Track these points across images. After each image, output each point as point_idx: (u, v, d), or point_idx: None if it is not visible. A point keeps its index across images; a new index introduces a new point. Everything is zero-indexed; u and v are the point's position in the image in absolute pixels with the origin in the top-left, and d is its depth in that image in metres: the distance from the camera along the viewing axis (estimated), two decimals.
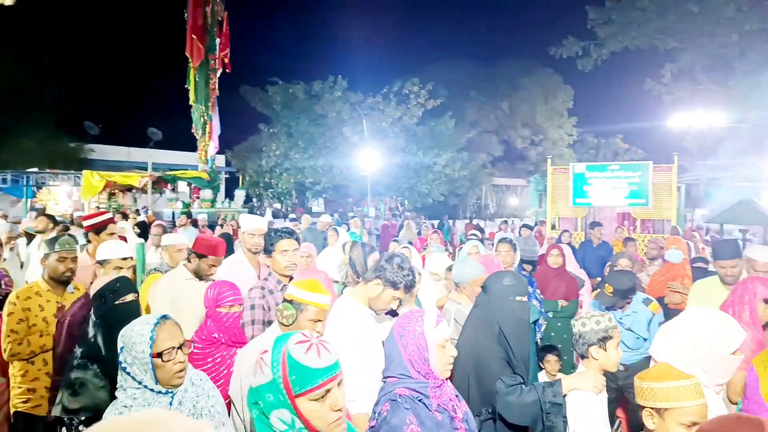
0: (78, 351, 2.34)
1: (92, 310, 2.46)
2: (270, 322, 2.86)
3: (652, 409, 1.82)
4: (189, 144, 17.16)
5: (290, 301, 2.33)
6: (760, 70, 17.85)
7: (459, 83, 30.72)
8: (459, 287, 3.50)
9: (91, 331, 2.38)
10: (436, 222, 20.78)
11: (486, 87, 32.20)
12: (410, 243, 6.67)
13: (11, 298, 3.20)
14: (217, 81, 16.26)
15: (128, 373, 1.85)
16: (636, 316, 3.89)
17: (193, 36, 15.24)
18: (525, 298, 2.67)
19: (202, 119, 16.04)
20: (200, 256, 3.49)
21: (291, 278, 3.19)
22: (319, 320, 2.35)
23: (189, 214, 13.17)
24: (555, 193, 12.05)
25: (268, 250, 3.18)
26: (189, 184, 16.30)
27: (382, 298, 2.58)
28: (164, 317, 1.93)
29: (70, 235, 4.22)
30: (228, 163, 26.70)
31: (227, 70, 16.44)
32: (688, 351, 2.08)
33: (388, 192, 26.74)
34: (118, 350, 1.86)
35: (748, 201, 10.82)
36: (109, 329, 2.26)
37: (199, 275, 3.50)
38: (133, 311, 2.44)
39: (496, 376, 2.43)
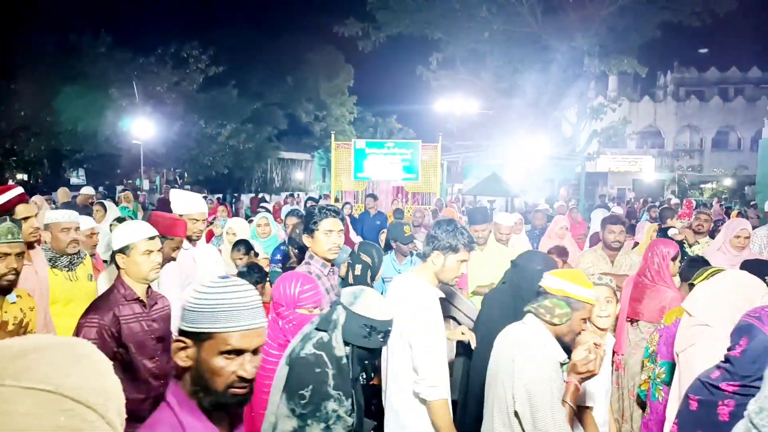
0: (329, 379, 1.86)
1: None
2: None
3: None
4: None
5: (560, 297, 2.06)
6: (504, 67, 21.04)
7: (242, 52, 29.59)
8: None
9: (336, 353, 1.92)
10: (220, 196, 19.97)
11: (270, 59, 31.64)
12: None
13: None
14: None
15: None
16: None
17: None
18: None
19: None
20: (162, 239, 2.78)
21: (332, 262, 2.87)
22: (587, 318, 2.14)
23: None
24: (338, 168, 12.59)
25: (310, 230, 2.81)
26: None
27: (447, 266, 2.47)
28: None
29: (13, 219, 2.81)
30: None
31: None
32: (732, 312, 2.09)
33: (165, 163, 24.66)
34: None
35: (495, 176, 12.82)
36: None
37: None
38: None
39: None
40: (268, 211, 6.73)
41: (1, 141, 20.88)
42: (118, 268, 2.48)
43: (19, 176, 22.23)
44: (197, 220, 3.44)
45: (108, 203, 6.27)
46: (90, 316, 2.36)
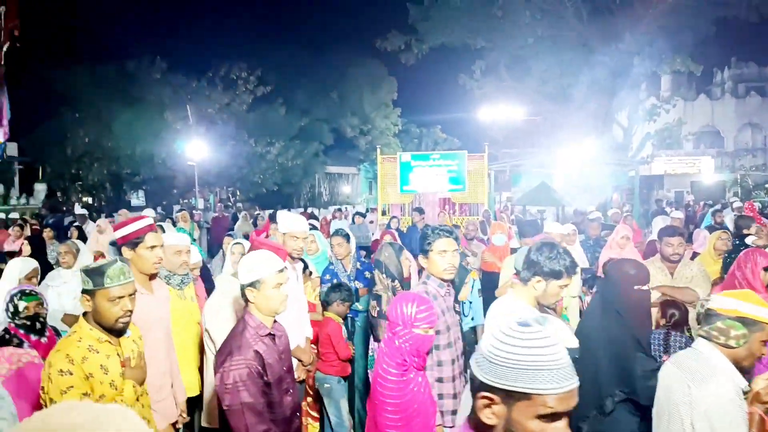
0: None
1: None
2: (437, 332, 2.62)
3: None
4: None
5: (733, 318, 1.95)
6: (549, 71, 20.66)
7: (289, 71, 30.36)
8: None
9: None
10: (269, 212, 20.44)
11: (316, 76, 32.30)
12: (246, 237, 6.49)
13: (59, 362, 2.17)
14: (3, 56, 13.93)
15: None
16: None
17: None
18: (646, 287, 2.71)
19: None
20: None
21: (450, 282, 2.91)
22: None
23: None
24: (384, 181, 12.65)
25: (424, 251, 2.86)
26: None
27: (549, 292, 2.48)
28: None
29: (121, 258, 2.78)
30: (22, 152, 23.00)
31: (17, 45, 14.16)
32: None
33: (218, 182, 25.53)
34: None
35: (544, 185, 12.57)
36: None
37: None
38: None
39: (631, 357, 2.44)
40: (315, 228, 6.82)
41: (68, 167, 22.20)
42: (246, 301, 2.46)
43: (85, 199, 23.47)
44: (298, 238, 3.55)
45: (166, 225, 6.53)
46: (235, 357, 2.29)
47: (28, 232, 8.48)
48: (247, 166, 24.91)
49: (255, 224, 11.60)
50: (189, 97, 23.37)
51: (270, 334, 2.44)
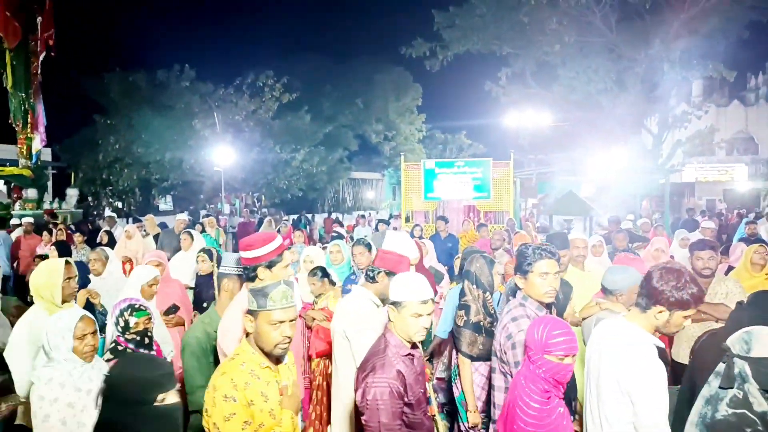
0: None
1: None
2: None
3: None
4: (6, 136, 14.93)
5: None
6: (577, 77, 20.38)
7: (314, 78, 30.67)
8: (613, 295, 3.19)
9: None
10: (294, 217, 20.61)
11: (341, 82, 32.55)
12: None
13: (224, 387, 2.09)
14: (39, 65, 14.35)
15: None
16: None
17: (7, 13, 13.25)
18: None
19: (22, 108, 14.05)
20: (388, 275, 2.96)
21: (549, 306, 2.79)
22: None
23: (4, 218, 11.48)
24: (408, 188, 12.63)
25: (523, 270, 2.73)
26: (8, 183, 14.21)
27: (672, 323, 2.25)
28: None
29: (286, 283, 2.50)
30: (56, 158, 23.67)
31: (52, 54, 14.58)
32: None
33: (244, 188, 25.86)
34: None
35: (571, 194, 12.37)
36: None
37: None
38: None
39: None
40: (340, 236, 6.84)
41: (99, 172, 22.77)
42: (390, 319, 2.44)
43: (115, 204, 24.02)
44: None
45: (195, 233, 6.60)
46: (378, 375, 2.24)
47: (61, 235, 8.67)
48: (272, 172, 25.18)
49: (279, 230, 11.69)
50: (216, 105, 23.76)
51: (409, 354, 2.40)
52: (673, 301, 2.20)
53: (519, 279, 2.76)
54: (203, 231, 9.69)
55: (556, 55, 20.16)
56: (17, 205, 13.74)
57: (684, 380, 2.80)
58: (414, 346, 2.48)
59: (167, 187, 24.45)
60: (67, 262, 3.31)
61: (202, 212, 21.21)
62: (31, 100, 14.15)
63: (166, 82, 23.40)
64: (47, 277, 3.21)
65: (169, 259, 5.41)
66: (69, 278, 3.27)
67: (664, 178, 16.59)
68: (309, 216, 21.89)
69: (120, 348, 2.98)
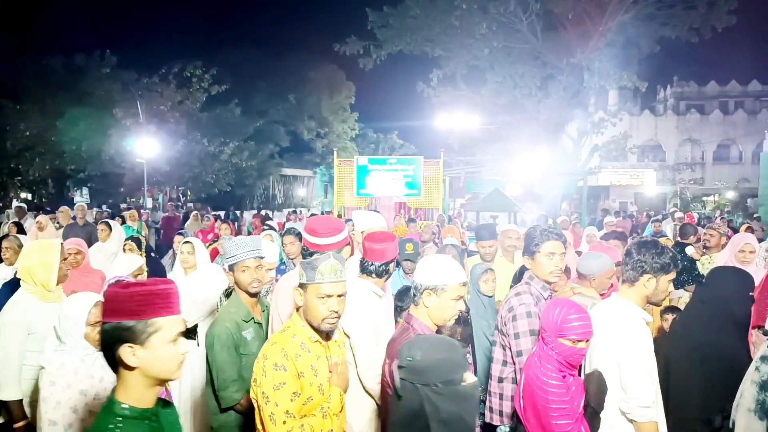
0: None
1: None
2: (536, 332, 2.54)
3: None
4: None
5: None
6: (504, 82, 21.17)
7: (245, 71, 29.94)
8: (586, 279, 3.37)
9: None
10: (222, 213, 20.04)
11: (273, 77, 31.99)
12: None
13: (274, 355, 2.08)
14: None
15: None
16: None
17: None
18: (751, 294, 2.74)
19: None
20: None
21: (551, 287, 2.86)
22: None
23: None
24: (341, 184, 12.64)
25: (531, 251, 2.78)
26: None
27: (660, 288, 2.46)
28: None
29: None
30: None
31: None
32: None
33: (168, 181, 24.80)
34: None
35: (497, 192, 12.87)
36: None
37: None
38: None
39: (745, 370, 2.38)
40: (272, 228, 6.74)
41: (6, 161, 21.08)
42: (414, 303, 2.35)
43: (23, 195, 22.35)
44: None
45: (114, 223, 6.28)
46: None
47: None
48: (199, 166, 24.28)
49: (204, 226, 11.33)
50: (140, 94, 22.62)
51: None
52: (657, 267, 2.42)
53: (526, 260, 2.85)
54: (123, 223, 9.24)
55: (484, 59, 20.81)
56: None
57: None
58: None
59: (83, 178, 23.03)
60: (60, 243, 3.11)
61: (123, 206, 20.17)
62: None
63: (86, 68, 22.07)
64: (43, 256, 2.95)
65: None
66: (64, 259, 3.08)
67: (582, 181, 17.59)
68: (237, 212, 21.37)
69: None
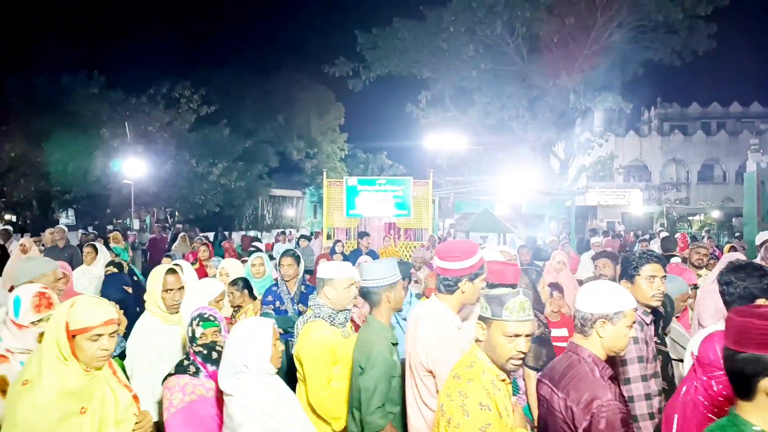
0: None
1: None
2: (643, 359, 2.53)
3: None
4: None
5: None
6: (491, 103, 21.44)
7: (234, 92, 30.01)
8: None
9: None
10: (211, 234, 19.87)
11: (262, 98, 32.09)
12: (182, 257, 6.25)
13: (477, 394, 1.96)
14: None
15: None
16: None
17: None
18: None
19: None
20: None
21: (653, 309, 2.74)
22: None
23: None
24: (330, 205, 12.58)
25: (629, 275, 2.70)
26: None
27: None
28: None
29: None
30: None
31: None
32: None
33: (156, 202, 24.53)
34: None
35: (486, 212, 12.88)
36: None
37: None
38: None
39: None
40: (260, 251, 6.67)
41: None
42: (583, 333, 2.18)
43: (7, 217, 22.02)
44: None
45: (99, 245, 6.17)
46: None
47: None
48: (187, 187, 24.09)
49: (193, 248, 11.19)
50: (128, 114, 22.50)
51: (611, 376, 2.14)
52: (765, 289, 2.44)
53: (625, 284, 2.71)
54: (107, 245, 9.09)
55: (472, 80, 21.12)
56: None
57: None
58: None
59: (69, 200, 22.72)
60: (171, 270, 3.19)
61: (109, 227, 19.90)
62: None
63: (72, 88, 21.93)
64: (151, 283, 3.18)
65: None
66: (169, 289, 3.15)
67: (570, 201, 17.72)
68: (226, 233, 21.17)
69: (187, 362, 2.61)
